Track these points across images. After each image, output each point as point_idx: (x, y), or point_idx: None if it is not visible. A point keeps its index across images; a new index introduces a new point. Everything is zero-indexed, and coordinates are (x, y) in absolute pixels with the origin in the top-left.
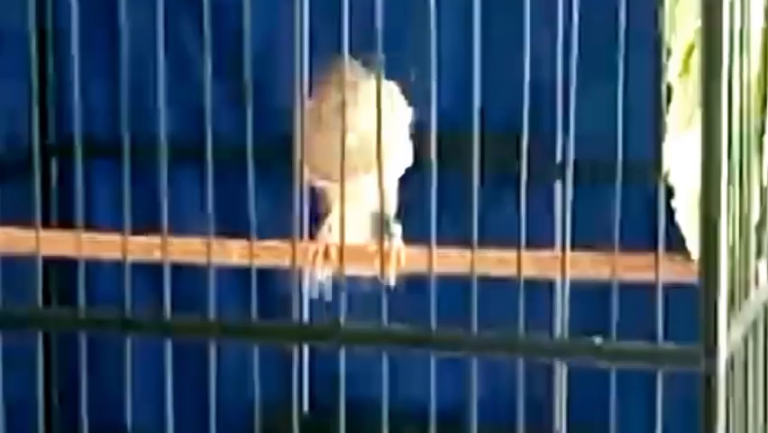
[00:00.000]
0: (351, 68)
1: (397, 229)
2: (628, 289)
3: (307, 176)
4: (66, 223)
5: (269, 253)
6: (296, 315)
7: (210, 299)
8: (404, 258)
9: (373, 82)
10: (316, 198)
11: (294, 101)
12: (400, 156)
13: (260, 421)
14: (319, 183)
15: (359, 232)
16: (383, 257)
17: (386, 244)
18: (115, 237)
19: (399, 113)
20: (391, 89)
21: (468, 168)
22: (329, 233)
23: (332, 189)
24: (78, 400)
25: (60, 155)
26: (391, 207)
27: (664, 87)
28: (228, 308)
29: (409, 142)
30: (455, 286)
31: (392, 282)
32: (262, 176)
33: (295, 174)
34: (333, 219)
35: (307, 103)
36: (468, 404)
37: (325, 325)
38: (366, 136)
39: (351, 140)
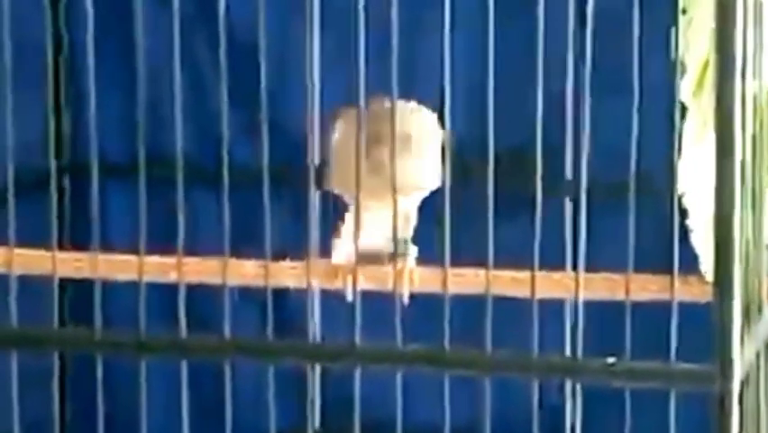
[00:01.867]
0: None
1: (412, 250)
2: (641, 309)
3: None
4: (79, 243)
5: (284, 273)
6: (310, 335)
7: (226, 318)
8: (417, 279)
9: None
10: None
11: (309, 124)
12: (431, 181)
13: None
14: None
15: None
16: (396, 277)
17: (400, 264)
18: (131, 258)
19: (431, 137)
20: (425, 113)
21: (482, 187)
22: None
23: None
24: (95, 421)
25: (73, 176)
26: (410, 229)
27: (678, 106)
28: (241, 330)
29: (439, 165)
30: (468, 306)
31: (405, 302)
32: (275, 196)
33: (309, 193)
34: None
35: (347, 125)
36: (481, 424)
37: (341, 345)
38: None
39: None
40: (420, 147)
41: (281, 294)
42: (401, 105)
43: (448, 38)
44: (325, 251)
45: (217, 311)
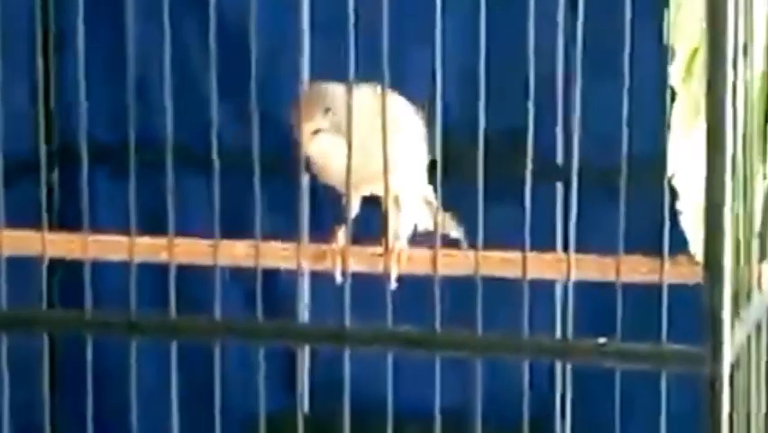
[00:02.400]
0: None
1: (405, 232)
2: (632, 290)
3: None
4: (67, 227)
5: (274, 255)
6: (300, 316)
7: (216, 299)
8: (405, 260)
9: (368, 95)
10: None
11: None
12: (412, 167)
13: (264, 424)
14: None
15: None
16: (386, 258)
17: (391, 245)
18: (121, 238)
19: (404, 123)
20: (396, 100)
21: (472, 169)
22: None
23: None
24: (85, 403)
25: (62, 160)
26: (407, 215)
27: (669, 90)
28: (230, 311)
29: (425, 155)
30: (459, 287)
31: (393, 284)
32: (265, 179)
33: (299, 177)
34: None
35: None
36: (472, 405)
37: (330, 327)
38: (366, 152)
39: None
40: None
41: (271, 276)
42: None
43: (439, 22)
44: (314, 233)
45: (207, 292)
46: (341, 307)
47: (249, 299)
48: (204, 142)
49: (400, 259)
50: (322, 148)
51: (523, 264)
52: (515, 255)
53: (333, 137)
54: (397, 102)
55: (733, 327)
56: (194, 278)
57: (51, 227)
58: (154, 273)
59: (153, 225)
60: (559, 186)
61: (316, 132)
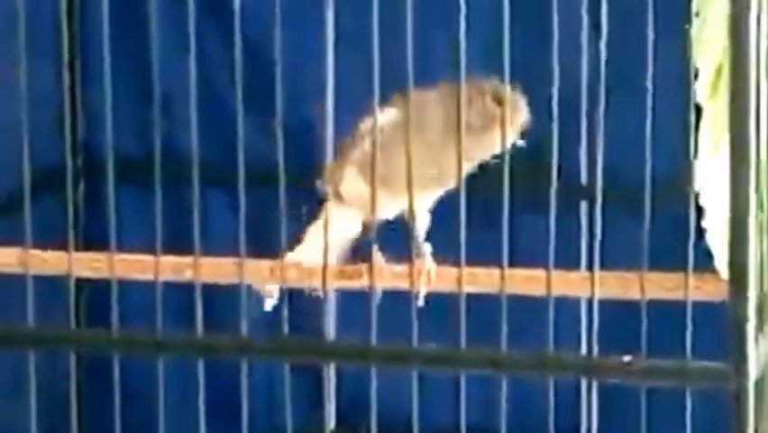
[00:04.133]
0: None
1: (427, 248)
2: (657, 307)
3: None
4: (92, 244)
5: (298, 272)
6: (326, 334)
7: (242, 317)
8: (434, 276)
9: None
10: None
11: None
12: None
13: None
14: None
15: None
16: (414, 275)
17: (417, 262)
18: (146, 257)
19: None
20: None
21: (497, 188)
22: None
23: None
24: (112, 422)
25: (87, 176)
26: (424, 228)
27: (693, 107)
28: (254, 330)
29: None
30: (484, 305)
31: (421, 301)
32: (291, 196)
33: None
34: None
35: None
36: (497, 423)
37: (355, 344)
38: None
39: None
40: None
41: (296, 294)
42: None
43: (463, 42)
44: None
45: (231, 311)
46: (367, 324)
47: (273, 318)
48: (229, 159)
49: (429, 277)
50: None
51: (547, 282)
52: (539, 273)
53: None
54: None
55: (757, 341)
56: (217, 297)
57: (77, 243)
58: (180, 291)
59: (178, 240)
60: (583, 204)
61: None
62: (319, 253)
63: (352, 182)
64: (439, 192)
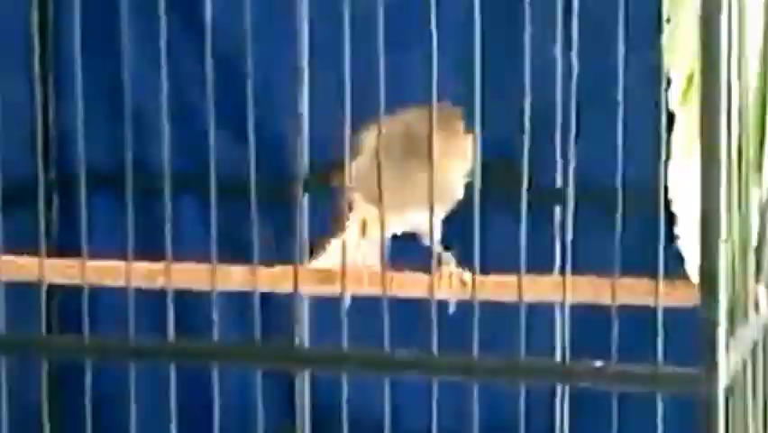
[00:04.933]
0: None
1: (449, 257)
2: (629, 312)
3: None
4: (66, 252)
5: (271, 278)
6: (297, 340)
7: (214, 323)
8: (458, 283)
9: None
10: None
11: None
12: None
13: None
14: (370, 209)
15: (371, 257)
16: (434, 284)
17: (445, 271)
18: (119, 264)
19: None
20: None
21: (469, 193)
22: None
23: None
24: (84, 427)
25: (60, 186)
26: (437, 240)
27: (665, 113)
28: (228, 336)
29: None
30: (456, 310)
31: (452, 309)
32: (264, 202)
33: (297, 202)
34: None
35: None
36: (469, 428)
37: (327, 350)
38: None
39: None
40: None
41: (268, 300)
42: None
43: (435, 52)
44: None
45: (204, 317)
46: (339, 330)
47: (246, 324)
48: (202, 170)
49: (452, 283)
50: None
51: (519, 288)
52: (511, 279)
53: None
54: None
55: (728, 348)
56: (190, 304)
57: (50, 253)
58: (154, 298)
59: (153, 249)
60: (557, 210)
61: None
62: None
63: (360, 207)
64: (445, 206)
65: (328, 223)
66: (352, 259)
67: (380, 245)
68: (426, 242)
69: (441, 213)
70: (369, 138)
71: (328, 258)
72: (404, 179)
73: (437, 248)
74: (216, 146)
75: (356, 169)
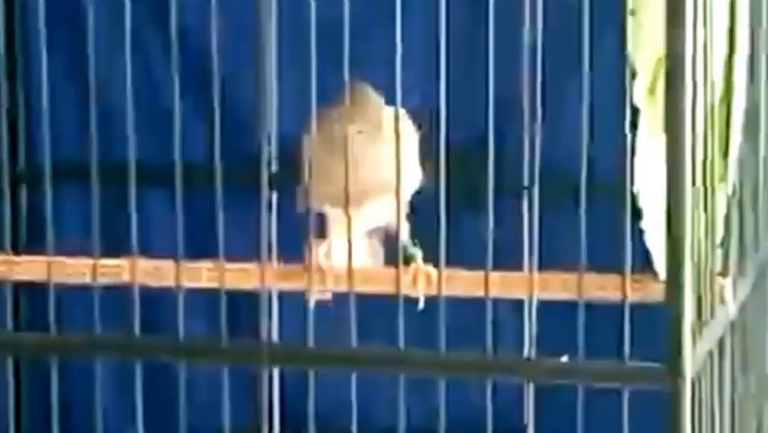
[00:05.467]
0: (366, 95)
1: (416, 252)
2: (598, 308)
3: (313, 200)
4: (34, 246)
5: (238, 275)
6: (264, 336)
7: (179, 320)
8: (431, 280)
9: (388, 110)
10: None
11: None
12: (412, 181)
13: None
14: (326, 208)
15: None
16: (399, 280)
17: (412, 267)
18: (85, 261)
19: (409, 138)
20: (402, 114)
21: (436, 188)
22: (323, 256)
23: (337, 214)
24: (50, 424)
25: (29, 182)
26: (404, 231)
27: (630, 109)
28: (198, 332)
29: (418, 166)
30: (425, 306)
31: (421, 305)
32: (234, 197)
33: (263, 196)
34: (331, 243)
35: (319, 127)
36: (436, 424)
37: (293, 347)
38: (382, 165)
39: (368, 169)
40: (385, 125)
41: (239, 296)
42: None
43: (399, 37)
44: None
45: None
46: (305, 326)
47: (215, 320)
48: (172, 162)
49: (429, 279)
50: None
51: (485, 284)
52: (478, 274)
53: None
54: (406, 117)
55: (694, 342)
56: (159, 299)
57: (18, 247)
58: (123, 295)
59: (123, 243)
60: (525, 205)
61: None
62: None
63: (322, 209)
64: (385, 201)
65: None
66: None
67: (347, 244)
68: (397, 237)
69: (394, 201)
70: (306, 143)
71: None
72: (341, 175)
73: (404, 242)
74: (191, 141)
75: (306, 174)
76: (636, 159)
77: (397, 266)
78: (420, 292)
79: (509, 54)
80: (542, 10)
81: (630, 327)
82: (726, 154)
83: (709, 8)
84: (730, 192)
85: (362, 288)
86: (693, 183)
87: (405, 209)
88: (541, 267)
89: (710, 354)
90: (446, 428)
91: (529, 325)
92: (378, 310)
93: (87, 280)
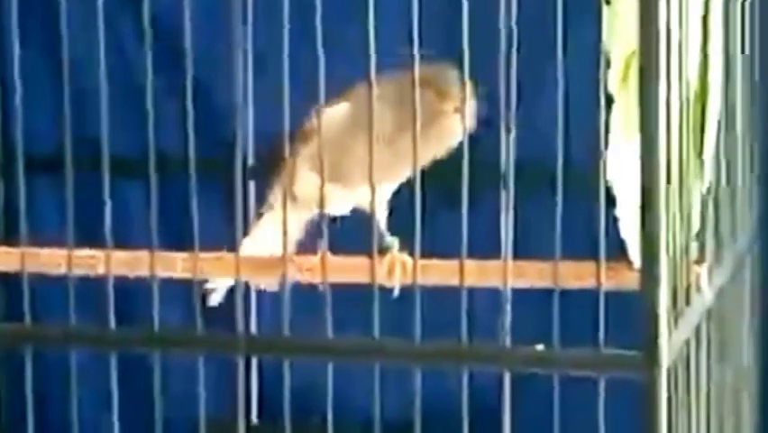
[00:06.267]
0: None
1: (392, 241)
2: (575, 297)
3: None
4: (10, 237)
5: (212, 265)
6: (240, 326)
7: (154, 310)
8: (410, 266)
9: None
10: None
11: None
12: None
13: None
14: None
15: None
16: (374, 268)
17: (388, 256)
18: (59, 252)
19: None
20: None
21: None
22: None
23: (334, 194)
24: (25, 416)
25: (4, 174)
26: (384, 220)
27: (604, 97)
28: (176, 321)
29: None
30: (400, 295)
31: (396, 293)
32: (212, 186)
33: (237, 185)
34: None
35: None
36: (414, 413)
37: (269, 337)
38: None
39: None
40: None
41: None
42: None
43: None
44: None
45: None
46: (280, 316)
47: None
48: (148, 153)
49: (404, 268)
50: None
51: (460, 273)
52: (454, 264)
53: None
54: None
55: (670, 330)
56: (137, 290)
57: None
58: (101, 286)
59: (101, 235)
60: (502, 195)
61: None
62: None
63: (305, 180)
64: (395, 184)
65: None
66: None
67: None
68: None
69: (388, 192)
70: (339, 110)
71: (256, 242)
72: (385, 153)
73: (380, 230)
74: (166, 131)
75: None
76: (610, 147)
77: (372, 256)
78: (396, 281)
79: (486, 42)
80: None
81: (607, 316)
82: (701, 138)
83: (684, 7)
84: (705, 192)
85: (337, 278)
86: (668, 169)
87: (387, 198)
88: (518, 256)
89: (687, 342)
90: (423, 418)
91: (504, 314)
92: (354, 300)
93: (62, 270)
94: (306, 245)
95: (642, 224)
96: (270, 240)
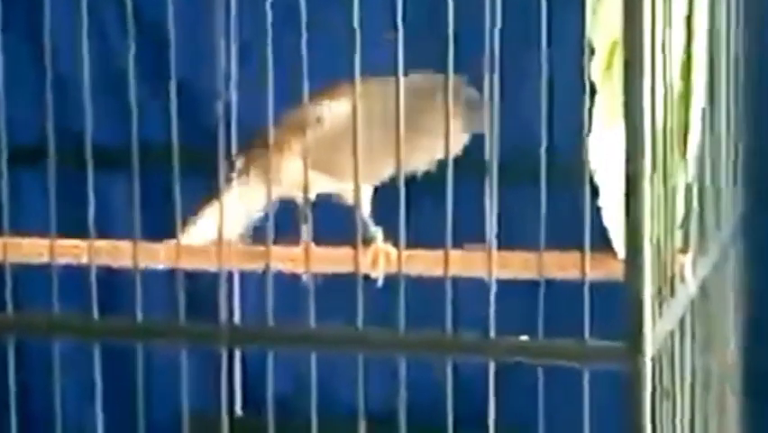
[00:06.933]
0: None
1: (376, 231)
2: (560, 287)
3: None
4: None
5: (195, 255)
6: (223, 316)
7: (137, 301)
8: (394, 257)
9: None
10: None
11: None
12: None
13: (191, 425)
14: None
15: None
16: (357, 258)
17: (372, 247)
18: (42, 241)
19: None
20: None
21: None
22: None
23: (320, 183)
24: (8, 406)
25: None
26: (367, 212)
27: (588, 85)
28: (159, 312)
29: None
30: (385, 285)
31: (380, 283)
32: (195, 176)
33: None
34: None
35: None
36: (399, 404)
37: (252, 327)
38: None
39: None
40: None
41: (198, 276)
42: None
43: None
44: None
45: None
46: (265, 306)
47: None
48: (131, 143)
49: (388, 258)
50: None
51: (445, 262)
52: (439, 254)
53: None
54: None
55: (654, 321)
56: (121, 280)
57: None
58: (85, 275)
59: (86, 226)
60: (486, 184)
61: None
62: (215, 232)
63: (292, 168)
64: (383, 179)
65: None
66: (228, 231)
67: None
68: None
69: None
70: (341, 106)
71: (200, 231)
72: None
73: (363, 219)
74: (148, 119)
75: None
76: (592, 135)
77: (356, 247)
78: (380, 270)
79: (470, 31)
80: None
81: (592, 306)
82: (686, 128)
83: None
84: (689, 180)
85: (321, 268)
86: (652, 159)
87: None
88: (503, 247)
89: (671, 333)
90: (407, 408)
91: (489, 304)
92: (338, 290)
93: (45, 259)
94: (290, 236)
95: (626, 212)
96: (235, 212)
